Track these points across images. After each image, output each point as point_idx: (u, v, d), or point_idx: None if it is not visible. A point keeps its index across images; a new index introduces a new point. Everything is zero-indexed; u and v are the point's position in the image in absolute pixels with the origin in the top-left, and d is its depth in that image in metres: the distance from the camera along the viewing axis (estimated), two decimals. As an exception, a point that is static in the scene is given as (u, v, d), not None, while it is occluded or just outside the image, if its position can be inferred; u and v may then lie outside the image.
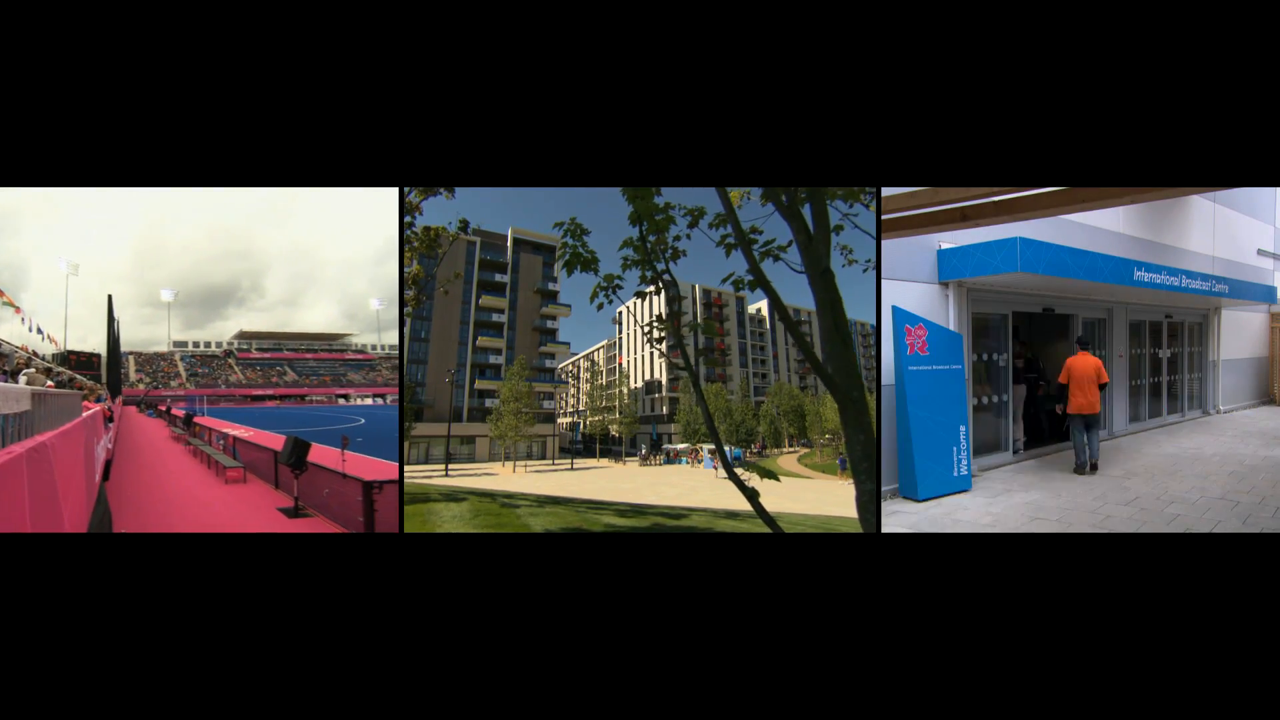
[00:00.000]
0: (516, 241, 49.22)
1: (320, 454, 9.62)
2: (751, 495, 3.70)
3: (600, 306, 4.60)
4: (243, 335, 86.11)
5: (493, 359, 45.92)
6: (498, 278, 47.35)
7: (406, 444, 37.46)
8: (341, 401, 71.63)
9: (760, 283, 3.95)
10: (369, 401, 69.64)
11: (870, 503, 3.63)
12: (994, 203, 5.90)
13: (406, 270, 11.03)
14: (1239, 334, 16.29)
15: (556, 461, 40.90)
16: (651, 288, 4.51)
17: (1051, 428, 10.84)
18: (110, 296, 37.10)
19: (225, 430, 18.08)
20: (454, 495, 13.57)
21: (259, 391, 73.86)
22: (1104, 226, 11.23)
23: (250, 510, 8.89)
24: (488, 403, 43.24)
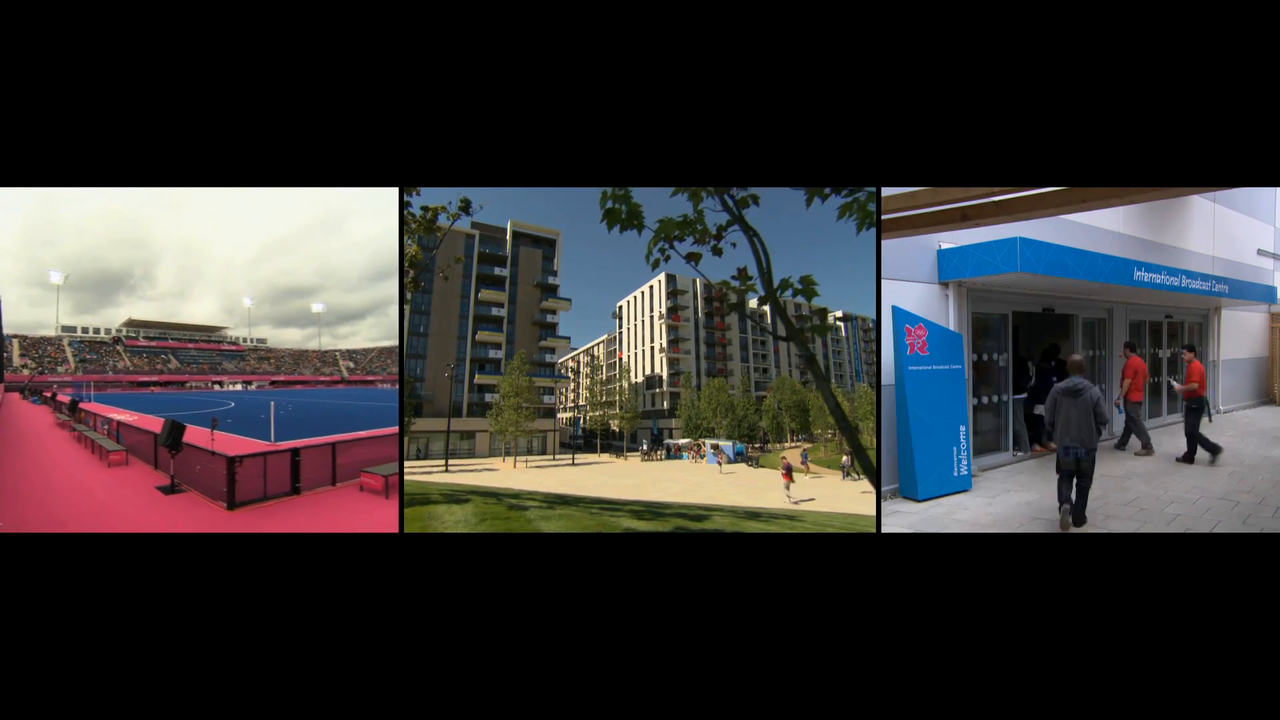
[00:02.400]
0: (515, 235, 49.12)
1: (195, 434, 10.46)
2: None
3: (655, 263, 4.12)
4: (132, 323, 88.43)
5: (492, 353, 45.83)
6: (497, 271, 47.24)
7: (406, 439, 37.46)
8: (216, 388, 79.18)
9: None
10: (238, 388, 78.56)
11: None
12: (994, 203, 5.88)
13: (405, 253, 10.91)
14: (1239, 334, 16.27)
15: (557, 457, 40.87)
16: (709, 245, 3.97)
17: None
18: (-10, 273, 35.71)
19: (110, 415, 18.47)
20: (456, 496, 13.36)
21: (144, 378, 76.13)
22: (1104, 226, 11.22)
23: (130, 491, 9.23)
24: (487, 398, 43.20)
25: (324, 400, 41.80)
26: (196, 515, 7.72)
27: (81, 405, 22.27)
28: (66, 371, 71.57)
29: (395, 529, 7.39)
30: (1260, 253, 16.39)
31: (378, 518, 7.79)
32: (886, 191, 5.89)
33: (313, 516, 7.82)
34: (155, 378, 77.20)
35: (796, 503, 16.16)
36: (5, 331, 61.45)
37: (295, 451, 9.07)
